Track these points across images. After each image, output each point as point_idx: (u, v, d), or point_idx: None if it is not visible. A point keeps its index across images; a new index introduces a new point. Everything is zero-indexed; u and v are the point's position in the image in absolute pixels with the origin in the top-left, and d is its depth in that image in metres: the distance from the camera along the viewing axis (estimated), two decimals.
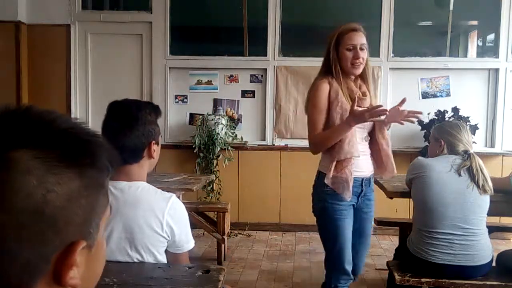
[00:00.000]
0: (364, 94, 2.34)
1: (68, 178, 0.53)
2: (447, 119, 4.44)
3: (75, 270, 0.54)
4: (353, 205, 2.32)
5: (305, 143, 4.68)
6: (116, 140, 1.51)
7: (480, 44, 5.11)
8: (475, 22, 5.18)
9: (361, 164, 2.29)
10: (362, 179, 2.32)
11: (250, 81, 4.86)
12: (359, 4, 5.00)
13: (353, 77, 2.37)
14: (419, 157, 2.58)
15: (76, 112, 4.96)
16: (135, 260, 1.48)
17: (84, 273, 0.56)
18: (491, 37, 4.93)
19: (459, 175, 2.37)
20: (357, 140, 2.25)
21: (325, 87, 2.30)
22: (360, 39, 2.29)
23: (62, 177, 0.53)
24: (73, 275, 0.54)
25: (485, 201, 2.39)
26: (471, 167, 2.37)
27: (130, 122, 1.53)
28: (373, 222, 2.44)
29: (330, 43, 2.31)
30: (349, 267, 2.32)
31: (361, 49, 2.29)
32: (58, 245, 0.53)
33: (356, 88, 2.33)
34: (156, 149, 1.59)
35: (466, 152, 2.43)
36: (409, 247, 2.48)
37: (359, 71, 2.32)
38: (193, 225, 1.67)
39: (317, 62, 4.73)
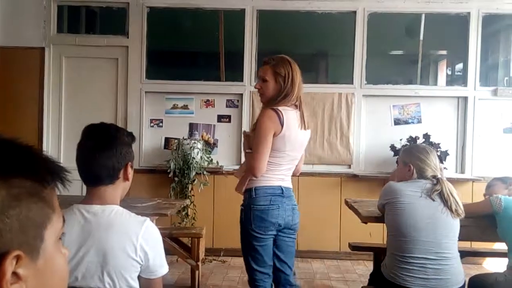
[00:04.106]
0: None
1: None
2: None
3: (8, 283, 0.53)
4: None
5: None
6: (94, 159, 1.51)
7: (449, 73, 5.29)
8: (444, 52, 5.37)
9: None
10: None
11: (226, 106, 4.89)
12: (333, 33, 5.14)
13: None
14: (390, 182, 2.62)
15: (48, 136, 4.88)
16: (107, 286, 1.44)
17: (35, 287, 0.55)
18: (459, 66, 5.12)
19: (432, 200, 2.41)
20: None
21: None
22: (260, 71, 2.53)
23: None
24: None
25: (456, 224, 2.43)
26: (442, 192, 2.42)
27: (109, 142, 1.53)
28: None
29: None
30: None
31: (262, 80, 2.48)
32: None
33: None
34: (130, 172, 1.58)
35: (434, 177, 2.48)
36: (383, 271, 2.49)
37: (261, 99, 2.55)
38: (167, 251, 1.64)
39: None
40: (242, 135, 2.77)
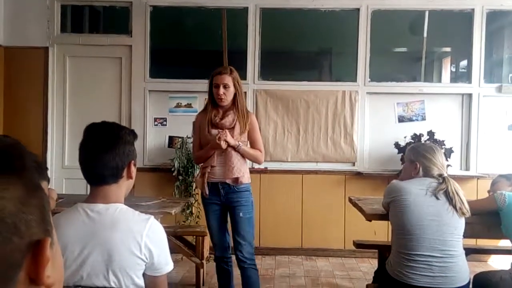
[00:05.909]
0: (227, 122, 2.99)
1: (11, 183, 0.55)
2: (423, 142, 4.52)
3: (49, 268, 0.56)
4: (218, 202, 3.00)
5: (285, 166, 4.76)
6: (97, 159, 1.50)
7: (453, 70, 5.27)
8: (448, 49, 5.35)
9: (216, 172, 2.97)
10: (218, 183, 2.97)
11: None
12: (336, 30, 5.12)
13: (223, 108, 3.00)
14: (395, 180, 2.61)
15: (53, 135, 4.89)
16: (112, 285, 1.44)
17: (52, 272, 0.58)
18: (463, 63, 5.09)
19: (437, 198, 2.40)
20: (215, 154, 2.95)
21: (197, 118, 3.15)
22: (222, 79, 2.93)
23: (4, 184, 0.54)
24: (49, 273, 0.56)
25: (461, 222, 2.43)
26: (447, 190, 2.41)
27: (113, 141, 1.52)
28: (243, 215, 2.99)
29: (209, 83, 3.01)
30: (216, 245, 3.08)
31: (224, 87, 2.92)
32: (26, 249, 0.54)
33: (216, 118, 2.99)
34: (134, 170, 1.58)
35: (440, 175, 2.47)
36: (388, 269, 2.49)
37: (223, 103, 2.96)
38: (172, 250, 1.64)
39: (295, 86, 4.86)
40: (225, 132, 2.90)
